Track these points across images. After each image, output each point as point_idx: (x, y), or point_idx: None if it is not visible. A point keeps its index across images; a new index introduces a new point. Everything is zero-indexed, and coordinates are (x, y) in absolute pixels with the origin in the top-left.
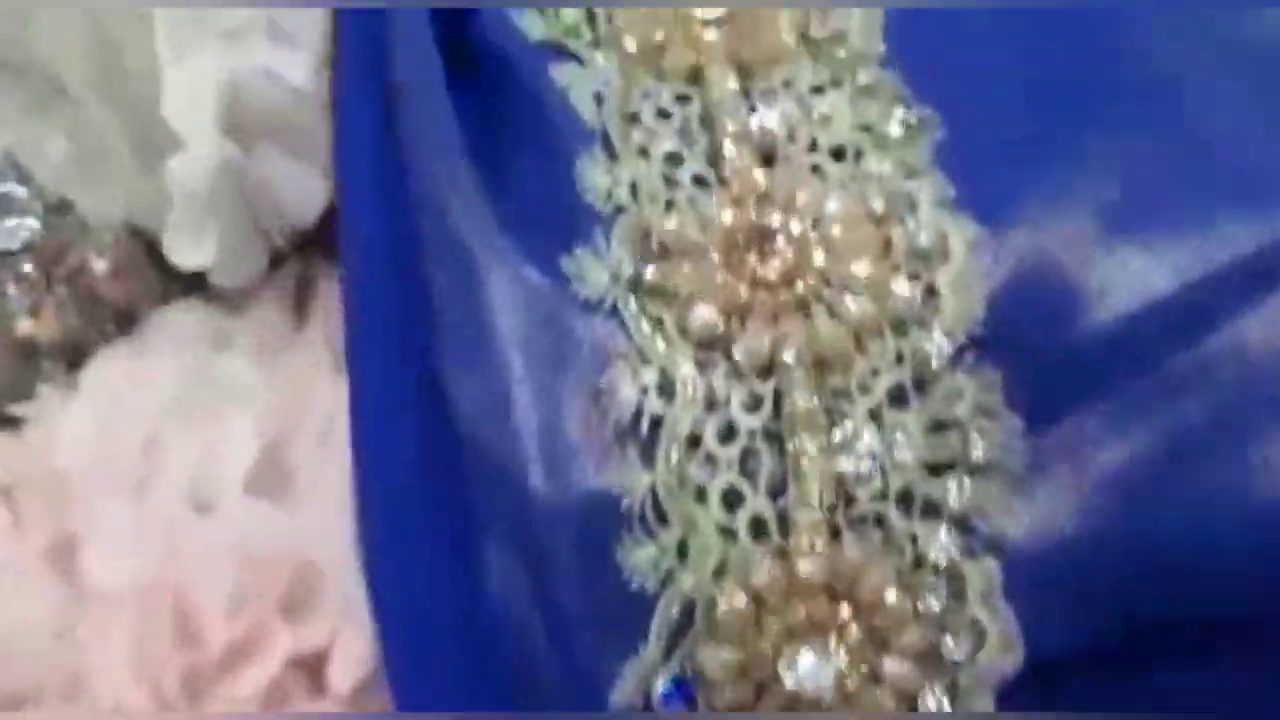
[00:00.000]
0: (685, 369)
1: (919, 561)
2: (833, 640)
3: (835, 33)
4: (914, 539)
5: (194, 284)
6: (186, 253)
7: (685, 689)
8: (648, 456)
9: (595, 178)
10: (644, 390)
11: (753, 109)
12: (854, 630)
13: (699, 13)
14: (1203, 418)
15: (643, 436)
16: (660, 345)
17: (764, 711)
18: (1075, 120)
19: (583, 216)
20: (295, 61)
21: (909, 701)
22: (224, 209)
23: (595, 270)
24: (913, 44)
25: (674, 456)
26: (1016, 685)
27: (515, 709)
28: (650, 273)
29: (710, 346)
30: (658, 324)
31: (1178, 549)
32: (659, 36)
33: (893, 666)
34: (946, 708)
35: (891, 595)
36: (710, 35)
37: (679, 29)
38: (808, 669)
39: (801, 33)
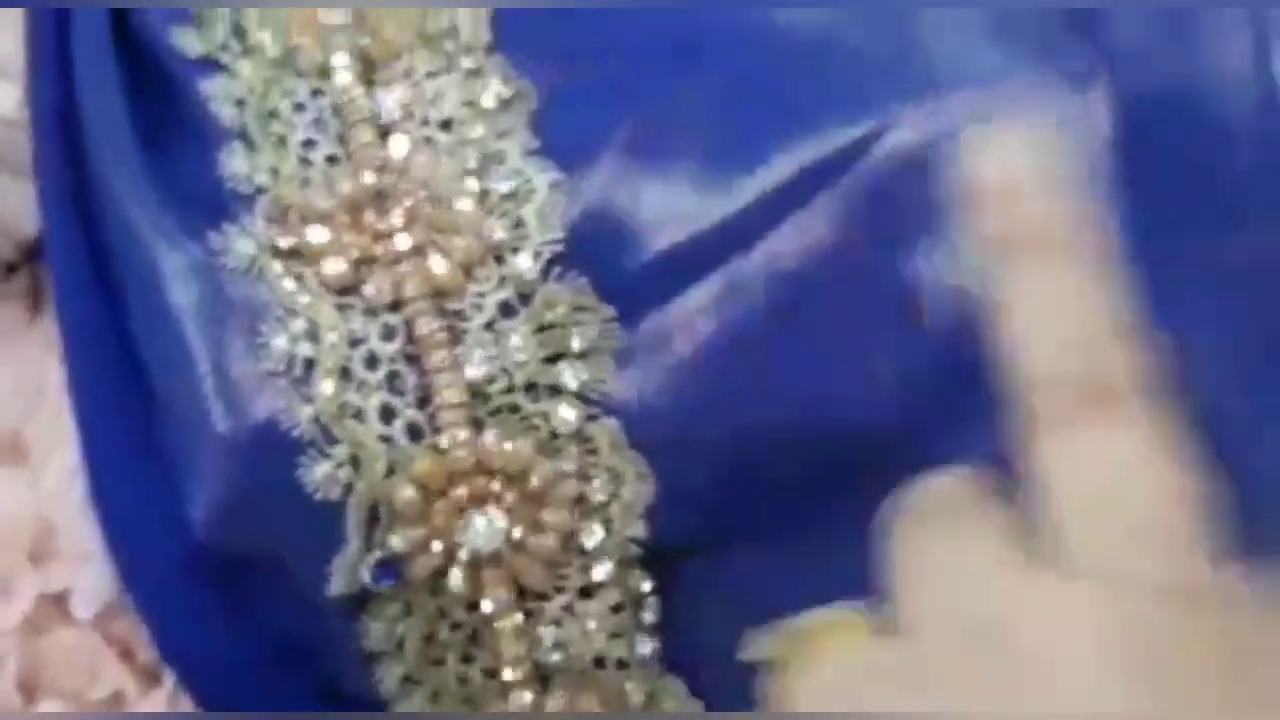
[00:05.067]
0: (326, 315)
1: (553, 433)
2: (493, 508)
3: (448, 27)
4: (545, 417)
5: None
6: None
7: (389, 569)
8: (305, 393)
9: (236, 167)
10: (294, 339)
11: (377, 95)
12: (510, 496)
13: (327, 15)
14: (751, 321)
15: (297, 374)
16: (304, 298)
17: None
18: (655, 79)
19: (230, 199)
20: (9, 93)
21: (570, 538)
22: None
23: (241, 242)
24: (522, 33)
25: (330, 389)
26: (663, 509)
27: (236, 624)
28: (288, 239)
29: (346, 293)
30: (299, 280)
31: (738, 415)
32: (294, 40)
33: (550, 516)
34: (604, 536)
35: (536, 464)
36: (340, 37)
37: (311, 32)
38: (479, 533)
39: (419, 29)
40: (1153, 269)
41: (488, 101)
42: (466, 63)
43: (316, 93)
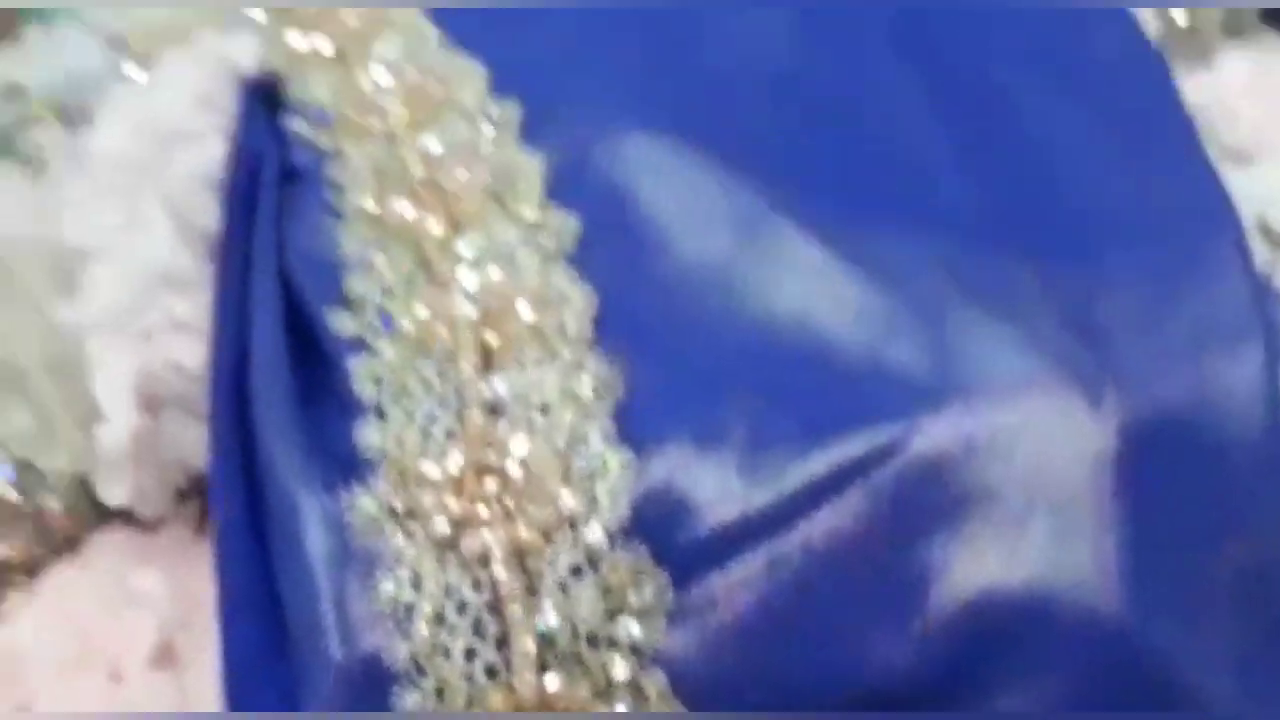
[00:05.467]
0: (428, 567)
1: (609, 681)
2: None
3: (557, 324)
4: (603, 666)
5: (124, 513)
6: (111, 494)
7: None
8: (405, 632)
9: (369, 438)
10: (400, 585)
11: (493, 381)
12: None
13: (460, 308)
14: (784, 596)
15: (400, 616)
16: (411, 552)
17: None
18: (717, 382)
19: (361, 461)
20: (194, 350)
21: None
22: (139, 461)
23: (365, 501)
24: (615, 328)
25: (425, 631)
26: None
27: None
28: (402, 501)
29: (445, 548)
30: (409, 536)
31: (770, 680)
32: (431, 328)
33: None
34: None
35: (593, 707)
36: (468, 329)
37: (446, 322)
38: None
39: (533, 325)
40: (1147, 577)
41: (583, 392)
42: (568, 355)
43: (444, 375)
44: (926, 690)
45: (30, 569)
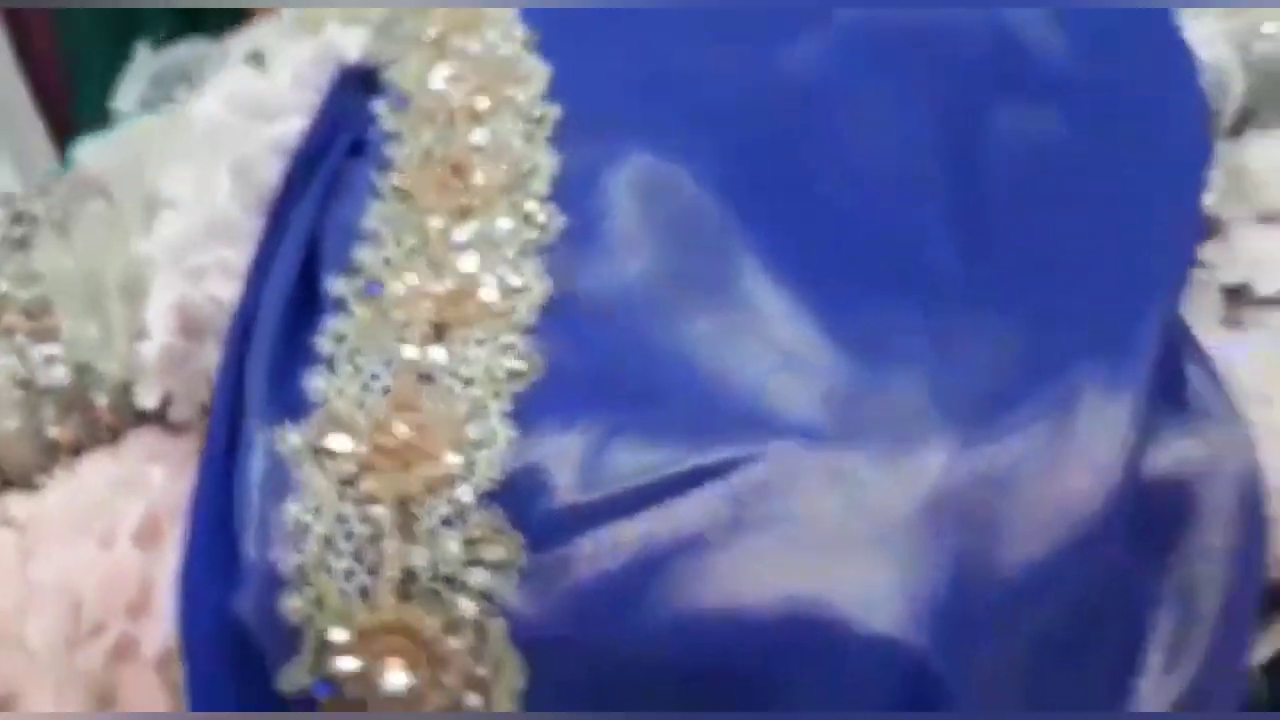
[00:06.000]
0: (329, 498)
1: (457, 617)
2: (404, 661)
3: (511, 309)
4: (455, 604)
5: (160, 415)
6: (145, 399)
7: (328, 685)
8: (299, 547)
9: (318, 384)
10: (304, 510)
11: (430, 352)
12: (421, 657)
13: (438, 285)
14: (622, 576)
15: (298, 534)
16: (320, 483)
17: None
18: (611, 401)
19: (307, 405)
20: (236, 290)
21: (459, 703)
22: (169, 374)
23: (294, 438)
24: (555, 320)
25: (315, 549)
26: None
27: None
28: (322, 441)
29: (347, 485)
30: (322, 470)
31: (597, 647)
32: (402, 300)
33: (447, 680)
34: (482, 705)
35: (442, 638)
36: (430, 303)
37: (419, 295)
38: (392, 680)
39: (489, 304)
40: (956, 620)
41: (499, 373)
42: (505, 339)
43: (401, 340)
44: (739, 677)
45: (76, 450)
